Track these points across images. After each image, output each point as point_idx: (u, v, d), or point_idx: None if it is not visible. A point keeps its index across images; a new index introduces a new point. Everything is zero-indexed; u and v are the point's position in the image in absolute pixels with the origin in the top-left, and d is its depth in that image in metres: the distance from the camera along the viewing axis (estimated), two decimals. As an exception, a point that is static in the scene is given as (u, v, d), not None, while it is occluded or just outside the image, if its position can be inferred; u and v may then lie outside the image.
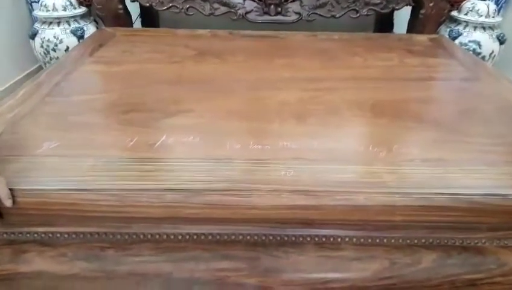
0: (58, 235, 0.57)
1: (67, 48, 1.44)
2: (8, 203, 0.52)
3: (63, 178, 0.55)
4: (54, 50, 1.44)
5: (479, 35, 1.43)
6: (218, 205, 0.54)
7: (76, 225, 0.57)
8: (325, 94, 0.84)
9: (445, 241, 0.57)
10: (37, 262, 0.56)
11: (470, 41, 1.43)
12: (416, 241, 0.57)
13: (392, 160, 0.60)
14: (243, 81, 0.92)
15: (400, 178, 0.56)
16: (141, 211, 0.54)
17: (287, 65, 1.02)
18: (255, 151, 0.62)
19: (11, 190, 0.53)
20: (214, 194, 0.54)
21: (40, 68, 1.67)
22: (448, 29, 1.48)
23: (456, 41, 1.43)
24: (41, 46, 1.45)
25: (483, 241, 0.57)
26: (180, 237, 0.57)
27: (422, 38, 1.30)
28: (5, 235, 0.57)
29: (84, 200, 0.53)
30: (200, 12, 1.37)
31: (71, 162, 0.59)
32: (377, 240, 0.57)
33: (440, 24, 1.46)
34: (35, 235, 0.57)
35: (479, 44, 1.42)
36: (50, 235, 0.57)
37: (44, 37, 1.44)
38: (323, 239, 0.57)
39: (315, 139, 0.66)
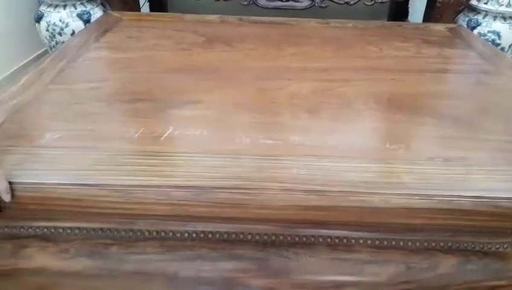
0: (61, 230, 0.55)
1: (73, 32, 1.41)
2: (6, 197, 0.50)
3: (65, 172, 0.53)
4: (60, 34, 1.41)
5: (498, 25, 1.37)
6: (228, 203, 0.51)
7: (79, 220, 0.54)
8: (338, 86, 0.80)
9: (465, 245, 0.54)
10: (38, 258, 0.54)
11: (489, 31, 1.37)
12: (434, 244, 0.54)
13: (411, 158, 0.57)
14: (252, 70, 0.88)
15: (419, 178, 0.53)
16: (147, 209, 0.52)
17: (298, 54, 0.99)
18: (265, 147, 0.59)
19: (10, 183, 0.50)
20: (224, 192, 0.51)
21: (46, 52, 1.64)
22: (466, 19, 1.42)
23: (475, 31, 1.37)
24: (47, 30, 1.42)
25: (505, 246, 0.54)
26: (186, 235, 0.54)
27: (440, 27, 1.25)
28: (5, 229, 0.55)
29: (87, 196, 0.51)
30: (209, -4, 1.33)
31: (74, 155, 0.56)
32: (393, 243, 0.54)
33: (458, 13, 1.40)
34: (37, 229, 0.55)
35: (498, 34, 1.37)
36: (52, 230, 0.55)
37: (50, 21, 1.41)
38: (336, 240, 0.54)
39: (328, 135, 0.63)
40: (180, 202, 0.51)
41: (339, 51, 1.01)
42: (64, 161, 0.55)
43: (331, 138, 0.62)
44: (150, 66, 0.89)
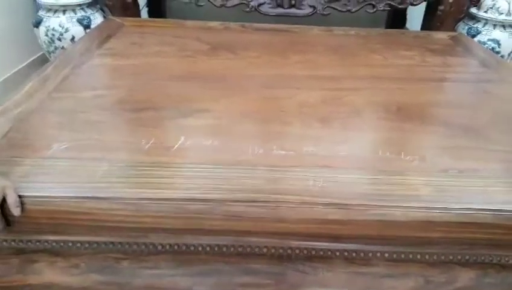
0: (70, 244, 0.53)
1: (73, 37, 1.39)
2: (16, 211, 0.48)
3: (75, 184, 0.51)
4: (59, 39, 1.39)
5: (498, 33, 1.38)
6: (244, 217, 0.50)
7: (89, 234, 0.53)
8: (347, 95, 0.80)
9: (482, 258, 0.53)
10: (47, 273, 0.53)
11: (489, 39, 1.38)
12: (451, 257, 0.53)
13: (426, 170, 0.57)
14: (258, 78, 0.87)
15: (436, 191, 0.52)
16: (160, 222, 0.50)
17: (303, 62, 0.98)
18: (278, 157, 0.58)
19: (19, 197, 0.49)
20: (240, 205, 0.50)
21: (43, 56, 1.62)
22: (466, 27, 1.43)
23: (475, 39, 1.38)
24: (46, 35, 1.40)
25: (522, 259, 0.53)
26: (200, 249, 0.53)
27: (442, 36, 1.25)
28: (12, 243, 0.53)
29: (99, 210, 0.49)
30: (211, 3, 1.32)
31: (83, 167, 0.55)
32: (410, 256, 0.53)
33: (459, 21, 1.41)
34: (46, 243, 0.53)
35: (498, 43, 1.38)
36: (61, 244, 0.53)
37: (49, 26, 1.38)
38: (353, 254, 0.53)
39: (341, 145, 0.63)
40: (194, 216, 0.50)
41: (344, 59, 1.01)
42: (74, 173, 0.53)
43: (344, 148, 0.62)
44: (155, 73, 0.87)
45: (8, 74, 1.52)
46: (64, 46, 1.39)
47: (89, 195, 0.50)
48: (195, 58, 0.97)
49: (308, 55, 1.03)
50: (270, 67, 0.94)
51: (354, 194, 0.51)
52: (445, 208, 0.50)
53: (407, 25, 1.87)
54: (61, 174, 0.53)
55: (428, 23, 1.46)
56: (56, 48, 1.41)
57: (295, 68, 0.94)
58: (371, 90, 0.83)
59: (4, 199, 0.48)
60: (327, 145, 0.62)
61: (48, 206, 0.49)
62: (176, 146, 0.60)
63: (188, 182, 0.53)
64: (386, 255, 0.53)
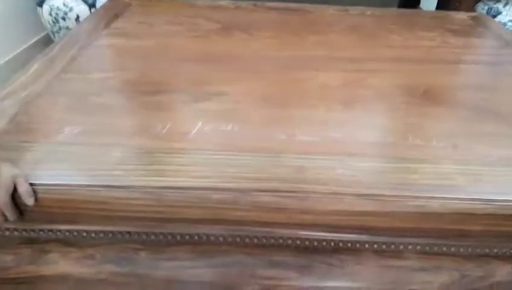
0: (85, 233, 0.51)
1: (78, 16, 1.34)
2: (29, 201, 0.45)
3: (90, 172, 0.48)
4: (64, 19, 1.34)
5: (520, 14, 1.33)
6: (268, 207, 0.47)
7: (104, 223, 0.50)
8: (369, 77, 0.76)
9: (520, 251, 0.50)
10: (61, 264, 0.50)
11: (510, 20, 1.33)
12: (487, 250, 0.50)
13: (462, 158, 0.53)
14: (275, 59, 0.83)
15: (475, 180, 0.49)
16: (180, 212, 0.47)
17: (321, 42, 0.94)
18: (303, 144, 0.55)
19: (31, 185, 0.46)
20: (264, 195, 0.47)
21: (47, 36, 1.57)
22: (486, 7, 1.37)
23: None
24: (50, 14, 1.35)
25: None
26: (221, 239, 0.50)
27: (462, 16, 1.20)
28: (24, 232, 0.51)
29: (115, 199, 0.47)
30: (221, -19, 1.26)
31: (97, 152, 0.51)
32: (444, 249, 0.50)
33: (478, 1, 1.35)
34: (59, 233, 0.51)
35: (519, 23, 1.32)
36: (75, 233, 0.51)
37: (53, 5, 1.34)
38: (383, 246, 0.50)
39: (368, 130, 0.59)
40: (216, 206, 0.47)
41: (362, 40, 0.96)
42: (87, 160, 0.50)
43: (371, 134, 0.58)
44: (166, 54, 0.83)
45: (12, 55, 1.48)
46: (69, 27, 1.34)
47: (105, 183, 0.47)
48: (207, 39, 0.93)
49: (325, 36, 0.98)
50: (286, 48, 0.89)
51: (386, 184, 0.48)
52: (487, 200, 0.46)
53: (421, 5, 1.81)
54: (74, 161, 0.50)
55: (446, 4, 1.41)
56: (60, 28, 1.37)
57: (313, 49, 0.89)
58: (394, 73, 0.79)
59: (15, 188, 0.45)
60: (353, 130, 0.58)
61: (61, 195, 0.46)
62: (194, 131, 0.57)
63: (208, 170, 0.49)
64: (419, 247, 0.50)
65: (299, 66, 0.80)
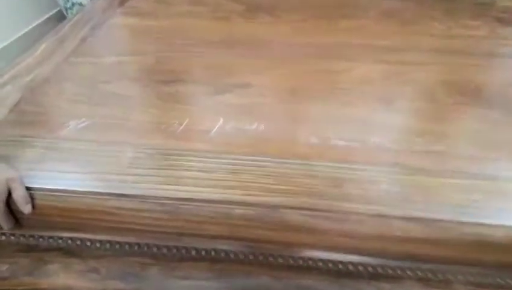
0: (89, 243, 0.45)
1: (92, -8, 1.27)
2: (26, 209, 0.39)
3: (95, 176, 0.42)
4: (77, -6, 1.28)
5: None
6: (299, 227, 0.40)
7: (111, 233, 0.44)
8: (411, 70, 0.67)
9: None
10: (61, 277, 0.45)
11: (561, 8, 1.20)
12: (553, 286, 0.43)
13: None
14: (304, 46, 0.75)
15: (548, 205, 0.41)
16: (197, 228, 0.41)
17: (355, 28, 0.85)
18: (338, 150, 0.48)
19: (28, 189, 0.40)
20: (294, 213, 0.40)
21: (60, 12, 1.51)
22: (535, -7, 1.24)
23: (544, 7, 1.20)
24: (63, -11, 1.29)
25: None
26: (242, 257, 0.44)
27: (510, 3, 1.09)
28: (21, 238, 0.45)
29: (124, 210, 0.40)
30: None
31: (105, 152, 0.45)
32: (500, 281, 0.43)
33: (527, -15, 1.22)
34: (60, 241, 0.45)
35: None
36: (78, 242, 0.45)
37: (66, -21, 1.27)
38: (429, 274, 0.43)
39: (417, 136, 0.51)
40: (239, 223, 0.41)
41: (401, 27, 0.87)
42: (94, 161, 0.44)
43: (421, 141, 0.50)
44: (186, 37, 0.76)
45: (23, 32, 1.42)
46: (82, 3, 1.27)
47: (112, 191, 0.40)
48: (229, 21, 0.85)
49: (358, 21, 0.89)
50: (316, 34, 0.81)
51: (441, 205, 0.40)
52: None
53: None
54: (79, 162, 0.44)
55: (490, -12, 1.28)
56: (73, 4, 1.30)
57: (347, 35, 0.80)
58: (438, 66, 0.70)
59: (10, 193, 0.39)
60: (399, 135, 0.51)
61: (62, 203, 0.41)
62: (214, 130, 0.50)
63: (230, 179, 0.43)
64: (471, 278, 0.43)
65: (331, 55, 0.72)
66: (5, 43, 1.31)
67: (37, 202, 0.40)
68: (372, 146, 0.48)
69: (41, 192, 0.40)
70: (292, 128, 0.51)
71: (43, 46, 0.69)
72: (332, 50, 0.73)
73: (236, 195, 0.40)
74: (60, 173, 0.42)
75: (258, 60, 0.68)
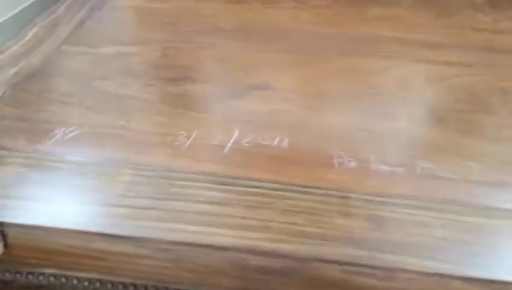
0: (75, 281, 0.37)
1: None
2: (-7, 251, 0.32)
3: (82, 208, 0.34)
4: (80, -32, 1.17)
5: None
6: (334, 285, 0.32)
7: (101, 273, 0.37)
8: (459, 72, 0.57)
9: None
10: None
11: None
12: None
13: None
14: (333, 38, 0.65)
15: None
16: (205, 279, 0.33)
17: (388, 18, 0.74)
18: (380, 178, 0.39)
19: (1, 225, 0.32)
20: (328, 267, 0.32)
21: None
22: None
23: None
24: (65, -39, 1.18)
25: None
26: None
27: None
28: (-4, 271, 0.38)
29: (115, 254, 0.33)
30: None
31: (95, 175, 0.37)
32: None
33: None
34: (40, 277, 0.37)
35: None
36: (62, 279, 0.37)
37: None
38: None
39: (475, 161, 0.42)
40: (257, 277, 0.33)
41: (440, 18, 0.76)
42: (81, 187, 0.36)
43: (483, 168, 0.41)
44: (197, 23, 0.66)
45: (18, 9, 1.32)
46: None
47: (100, 230, 0.32)
48: (247, 5, 0.75)
49: (392, 9, 0.78)
50: (345, 23, 0.71)
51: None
52: None
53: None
54: (63, 188, 0.36)
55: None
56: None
57: (379, 26, 0.70)
58: (491, 69, 0.59)
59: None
60: (454, 160, 0.42)
61: (41, 243, 0.33)
62: (228, 145, 0.41)
63: (246, 215, 0.34)
64: None
65: (363, 50, 0.62)
66: None
67: (9, 241, 0.32)
68: (421, 173, 0.40)
69: (15, 228, 0.32)
70: (322, 145, 0.43)
71: (34, 29, 0.60)
72: (363, 44, 0.63)
73: (253, 239, 0.32)
74: (39, 202, 0.34)
75: (278, 55, 0.59)
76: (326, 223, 0.34)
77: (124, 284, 0.37)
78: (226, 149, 0.41)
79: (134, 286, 0.37)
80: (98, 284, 0.37)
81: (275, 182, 0.37)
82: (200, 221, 0.33)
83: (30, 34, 0.58)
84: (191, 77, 0.52)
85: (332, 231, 0.34)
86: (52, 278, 0.37)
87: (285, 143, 0.42)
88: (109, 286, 0.37)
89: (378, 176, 0.39)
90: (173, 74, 0.52)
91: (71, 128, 0.42)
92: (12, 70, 0.50)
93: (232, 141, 0.42)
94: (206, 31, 0.64)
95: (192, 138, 0.42)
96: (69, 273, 0.37)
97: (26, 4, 1.29)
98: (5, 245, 0.32)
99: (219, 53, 0.58)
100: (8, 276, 0.38)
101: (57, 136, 0.41)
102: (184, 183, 0.37)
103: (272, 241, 0.32)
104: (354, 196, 0.37)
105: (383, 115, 0.48)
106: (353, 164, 0.40)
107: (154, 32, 0.63)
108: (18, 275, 0.37)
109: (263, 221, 0.34)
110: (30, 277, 0.37)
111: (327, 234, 0.33)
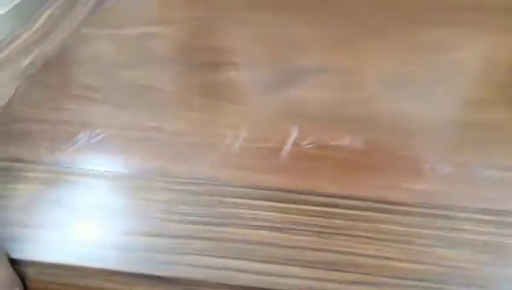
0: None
1: None
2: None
3: (113, 239, 0.27)
4: None
5: None
6: None
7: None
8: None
9: None
10: None
11: None
12: None
13: None
14: (390, 6, 0.55)
15: None
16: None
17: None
18: (491, 188, 0.30)
19: (14, 262, 0.26)
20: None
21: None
22: None
23: None
24: None
25: None
26: None
27: None
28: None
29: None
30: None
31: (126, 192, 0.30)
32: None
33: None
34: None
35: None
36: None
37: None
38: None
39: None
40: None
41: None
42: (110, 211, 0.29)
43: None
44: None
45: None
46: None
47: (134, 270, 0.25)
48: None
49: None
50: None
51: None
52: None
53: None
54: (90, 210, 0.29)
55: None
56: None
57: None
58: None
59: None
60: None
61: (66, 286, 0.26)
62: (286, 148, 0.33)
63: (324, 247, 0.27)
64: None
65: (433, 19, 0.51)
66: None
67: (30, 284, 0.26)
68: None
69: (35, 269, 0.26)
70: (396, 150, 0.34)
71: (48, 11, 0.53)
72: (432, 12, 0.53)
73: (336, 282, 0.25)
74: (63, 232, 0.27)
75: (331, 29, 0.50)
76: (426, 255, 0.26)
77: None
78: (284, 153, 0.33)
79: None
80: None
81: (353, 198, 0.29)
82: (264, 255, 0.26)
83: (44, 17, 0.51)
84: (228, 61, 0.44)
85: (435, 268, 0.25)
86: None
87: (359, 142, 0.34)
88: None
89: (487, 184, 0.30)
90: (207, 59, 0.44)
91: (96, 131, 0.35)
92: (26, 62, 0.43)
93: (290, 142, 0.34)
94: (241, 5, 0.55)
95: (240, 139, 0.34)
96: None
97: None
98: (25, 287, 0.26)
99: (260, 30, 0.49)
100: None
101: (81, 141, 0.34)
102: (236, 200, 0.29)
103: (362, 285, 0.24)
104: (458, 216, 0.28)
105: (477, 102, 0.38)
106: (451, 168, 0.32)
107: (181, 10, 0.54)
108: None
109: (346, 254, 0.26)
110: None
111: (430, 271, 0.25)
